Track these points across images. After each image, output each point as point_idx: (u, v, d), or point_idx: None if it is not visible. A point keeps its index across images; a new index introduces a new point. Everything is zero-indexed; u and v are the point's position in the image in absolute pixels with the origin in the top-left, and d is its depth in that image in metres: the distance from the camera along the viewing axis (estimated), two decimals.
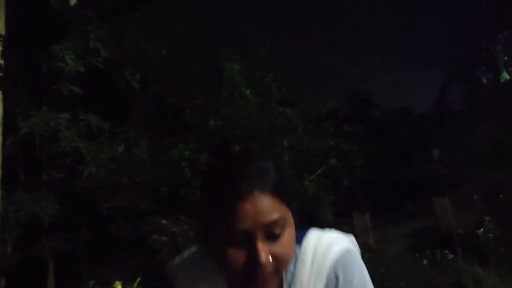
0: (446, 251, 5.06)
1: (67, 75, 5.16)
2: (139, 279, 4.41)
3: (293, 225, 0.82)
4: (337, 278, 0.84)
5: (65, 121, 5.29)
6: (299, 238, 0.89)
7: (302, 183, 6.76)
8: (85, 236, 6.03)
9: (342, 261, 0.86)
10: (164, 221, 5.32)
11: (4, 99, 5.23)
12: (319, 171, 7.85)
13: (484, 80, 20.02)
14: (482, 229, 5.10)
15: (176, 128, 6.22)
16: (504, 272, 4.27)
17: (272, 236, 0.76)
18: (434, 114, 22.72)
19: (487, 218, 5.25)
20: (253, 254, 0.74)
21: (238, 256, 0.75)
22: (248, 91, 6.19)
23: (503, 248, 4.75)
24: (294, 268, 0.87)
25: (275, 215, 0.77)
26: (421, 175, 18.01)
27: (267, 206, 0.76)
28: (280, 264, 0.77)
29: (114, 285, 3.15)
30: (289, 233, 0.79)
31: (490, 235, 4.95)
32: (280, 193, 0.79)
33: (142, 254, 5.72)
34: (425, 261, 4.92)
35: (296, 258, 0.87)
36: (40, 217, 5.19)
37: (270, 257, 0.75)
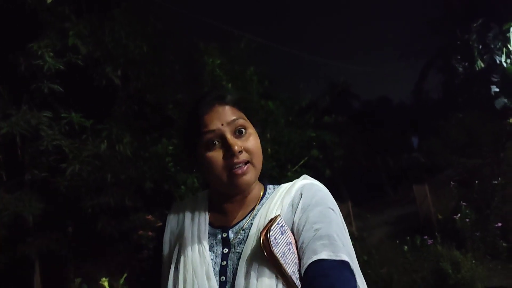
0: (426, 237, 5.22)
1: (47, 73, 5.12)
2: (125, 274, 4.44)
3: (255, 132, 1.04)
4: (301, 194, 1.00)
5: (47, 119, 5.24)
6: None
7: (285, 174, 6.87)
8: (70, 235, 6.01)
9: (308, 186, 1.04)
10: (149, 217, 5.35)
11: None
12: (301, 162, 7.97)
13: (460, 69, 20.34)
14: (459, 215, 5.28)
15: (158, 123, 6.23)
16: (480, 255, 4.45)
17: (237, 133, 0.99)
18: (412, 104, 23.06)
19: (464, 203, 5.43)
20: (228, 147, 0.95)
21: (217, 155, 0.97)
22: (229, 85, 6.24)
23: (479, 232, 4.94)
24: (270, 196, 1.06)
25: (235, 115, 1.00)
26: (401, 163, 18.34)
27: (228, 111, 1.00)
28: (251, 155, 0.98)
29: (100, 282, 3.17)
30: (252, 132, 1.02)
31: (467, 220, 5.13)
32: (239, 105, 1.03)
33: (128, 250, 5.74)
34: (405, 247, 5.07)
35: (272, 192, 1.07)
36: (24, 217, 5.17)
37: (241, 148, 0.96)
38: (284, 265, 0.88)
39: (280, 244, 0.90)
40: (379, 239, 6.62)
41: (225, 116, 0.98)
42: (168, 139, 5.86)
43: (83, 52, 5.26)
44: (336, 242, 0.90)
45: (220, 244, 0.99)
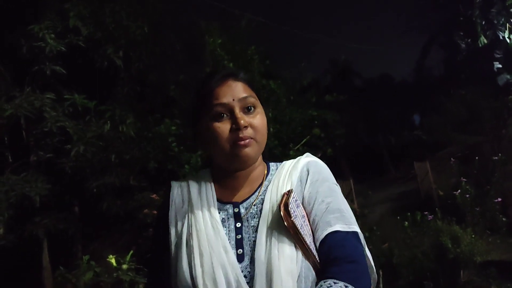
0: (426, 213, 5.30)
1: (48, 55, 5.13)
2: (131, 251, 4.54)
3: (264, 112, 1.09)
4: (308, 171, 1.07)
5: (50, 101, 5.28)
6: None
7: (287, 153, 6.92)
8: (77, 215, 6.10)
9: (313, 163, 1.10)
10: (154, 195, 5.44)
11: None
12: (303, 141, 8.02)
13: (462, 45, 20.17)
14: (459, 191, 5.36)
15: (161, 104, 6.27)
16: (479, 230, 4.54)
17: (246, 109, 1.04)
18: (414, 81, 22.93)
19: (464, 180, 5.51)
20: (235, 121, 1.01)
21: (224, 126, 1.02)
22: (231, 64, 6.24)
23: (478, 207, 5.04)
24: (275, 172, 1.11)
25: (247, 93, 1.05)
26: (402, 141, 18.33)
27: (240, 87, 1.05)
28: (256, 131, 1.04)
29: (108, 259, 3.26)
30: (260, 111, 1.07)
31: (467, 195, 5.22)
32: (251, 84, 1.08)
33: (134, 229, 5.84)
34: (406, 223, 5.16)
35: (276, 169, 1.12)
36: (31, 197, 5.25)
37: (247, 123, 1.01)
38: (303, 235, 0.94)
39: (297, 216, 0.96)
40: (381, 215, 6.71)
41: (237, 92, 1.03)
42: (171, 119, 5.90)
43: (84, 33, 5.26)
44: (346, 215, 1.00)
45: (232, 219, 1.03)
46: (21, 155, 5.75)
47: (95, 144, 5.48)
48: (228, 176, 1.09)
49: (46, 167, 5.65)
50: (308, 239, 0.95)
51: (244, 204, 1.05)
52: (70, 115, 5.46)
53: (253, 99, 1.05)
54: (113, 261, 2.71)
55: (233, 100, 1.02)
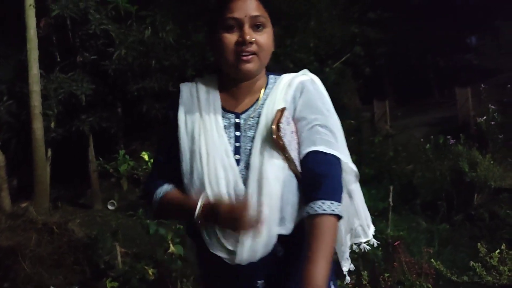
0: (449, 137, 5.32)
1: None
2: None
3: (272, 31, 1.16)
4: (302, 89, 1.16)
5: (94, 3, 5.44)
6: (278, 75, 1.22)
7: (323, 70, 6.89)
8: (119, 115, 6.49)
9: (309, 81, 1.18)
10: None
11: None
12: (342, 59, 7.88)
13: None
14: (485, 117, 5.29)
15: (201, 11, 6.29)
16: (499, 157, 4.57)
17: (255, 27, 1.12)
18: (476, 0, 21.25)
19: (492, 106, 5.40)
20: (242, 34, 1.10)
21: (232, 37, 1.11)
22: None
23: (502, 135, 4.99)
24: (273, 86, 1.20)
25: (259, 11, 1.12)
26: (452, 64, 17.47)
27: (253, 5, 1.11)
28: (260, 48, 1.12)
29: (141, 155, 3.56)
30: (267, 31, 1.15)
31: (492, 122, 5.16)
32: (265, 4, 1.14)
33: None
34: (427, 145, 5.22)
35: (274, 83, 1.20)
36: (77, 96, 5.65)
37: (253, 39, 1.10)
38: (290, 151, 1.08)
39: (287, 134, 1.09)
40: (409, 137, 6.75)
41: (250, 10, 1.09)
42: None
43: None
44: (330, 137, 1.10)
45: (232, 127, 1.15)
46: (68, 55, 6.08)
47: (136, 49, 5.70)
48: (232, 85, 1.18)
49: (91, 69, 5.98)
50: (294, 154, 1.09)
51: (244, 116, 1.16)
52: (113, 18, 5.63)
53: (264, 19, 1.11)
54: (145, 156, 3.03)
55: (245, 16, 1.08)
